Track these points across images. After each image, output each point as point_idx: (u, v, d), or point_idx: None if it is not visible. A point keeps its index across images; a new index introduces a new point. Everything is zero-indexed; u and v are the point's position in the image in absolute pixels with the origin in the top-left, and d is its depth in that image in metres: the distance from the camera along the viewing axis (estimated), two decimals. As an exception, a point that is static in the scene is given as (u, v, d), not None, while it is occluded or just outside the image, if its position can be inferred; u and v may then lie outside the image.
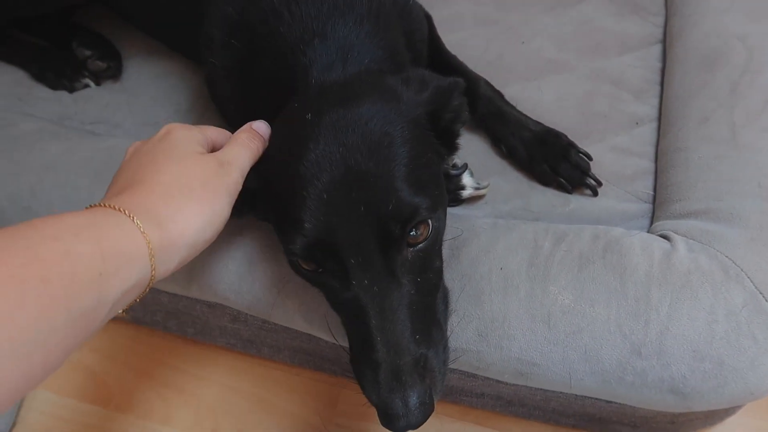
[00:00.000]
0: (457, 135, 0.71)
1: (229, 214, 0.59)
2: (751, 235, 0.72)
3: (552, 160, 0.88)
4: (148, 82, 1.07)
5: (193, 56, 1.04)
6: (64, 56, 1.10)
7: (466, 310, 0.71)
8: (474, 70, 0.98)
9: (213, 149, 0.64)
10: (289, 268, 0.64)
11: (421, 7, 0.95)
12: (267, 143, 0.66)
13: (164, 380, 1.05)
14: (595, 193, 0.87)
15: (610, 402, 0.82)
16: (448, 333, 0.67)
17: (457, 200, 0.88)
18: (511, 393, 0.89)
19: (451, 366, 0.72)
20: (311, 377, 1.03)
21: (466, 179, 0.87)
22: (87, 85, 1.08)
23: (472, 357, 0.72)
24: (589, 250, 0.72)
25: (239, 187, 0.60)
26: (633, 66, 1.01)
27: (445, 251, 0.74)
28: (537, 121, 0.92)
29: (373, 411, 0.58)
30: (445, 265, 0.72)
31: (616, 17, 1.08)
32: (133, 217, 0.50)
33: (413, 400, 0.55)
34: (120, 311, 0.52)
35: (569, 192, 0.88)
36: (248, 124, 0.67)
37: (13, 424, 1.00)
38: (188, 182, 0.55)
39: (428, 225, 0.60)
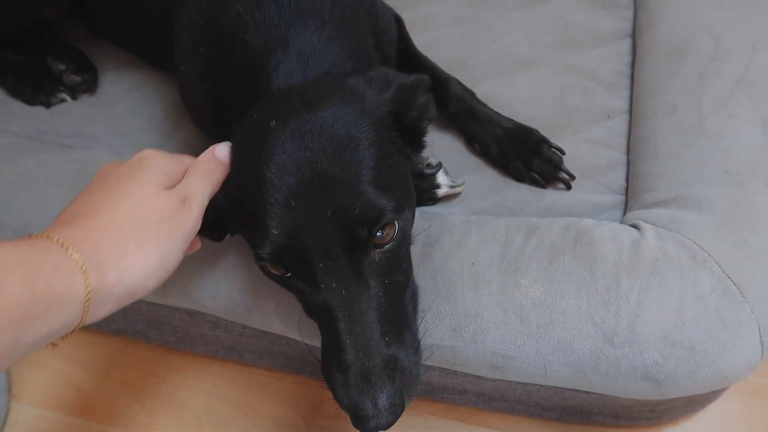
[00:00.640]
0: (423, 133, 0.70)
1: (180, 259, 0.57)
2: (718, 221, 0.72)
3: (524, 156, 0.89)
4: (123, 93, 1.08)
5: (165, 67, 1.04)
6: (41, 71, 1.10)
7: (440, 306, 0.71)
8: (447, 69, 0.98)
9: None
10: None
11: (390, 8, 0.96)
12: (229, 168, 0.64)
13: (147, 390, 1.05)
14: (569, 187, 0.88)
15: (589, 393, 0.82)
16: (421, 331, 0.67)
17: (433, 199, 0.88)
18: (492, 388, 0.89)
19: (428, 363, 0.73)
20: (294, 381, 1.03)
21: (441, 178, 0.88)
22: (63, 100, 1.08)
23: (448, 353, 0.72)
24: (559, 241, 0.73)
25: (197, 227, 0.59)
26: (605, 59, 1.02)
27: (417, 248, 0.75)
28: (509, 118, 0.93)
29: (355, 411, 0.58)
30: (417, 262, 0.73)
31: (587, 12, 1.09)
32: (72, 254, 0.47)
33: (383, 401, 0.56)
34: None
35: (543, 187, 0.88)
36: (211, 148, 0.64)
37: (-2, 440, 1.01)
38: (142, 222, 0.53)
39: (394, 226, 0.60)
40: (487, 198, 0.89)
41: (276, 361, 1.00)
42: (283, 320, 0.76)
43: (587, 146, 0.92)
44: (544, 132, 0.91)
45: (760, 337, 0.67)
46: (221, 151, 0.64)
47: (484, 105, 0.95)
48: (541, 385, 0.85)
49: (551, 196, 0.88)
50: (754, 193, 0.74)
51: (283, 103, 0.65)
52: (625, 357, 0.67)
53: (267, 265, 0.62)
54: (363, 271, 0.59)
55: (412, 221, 0.67)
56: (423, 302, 0.71)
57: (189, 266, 0.78)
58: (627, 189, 0.87)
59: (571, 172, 0.88)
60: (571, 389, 0.84)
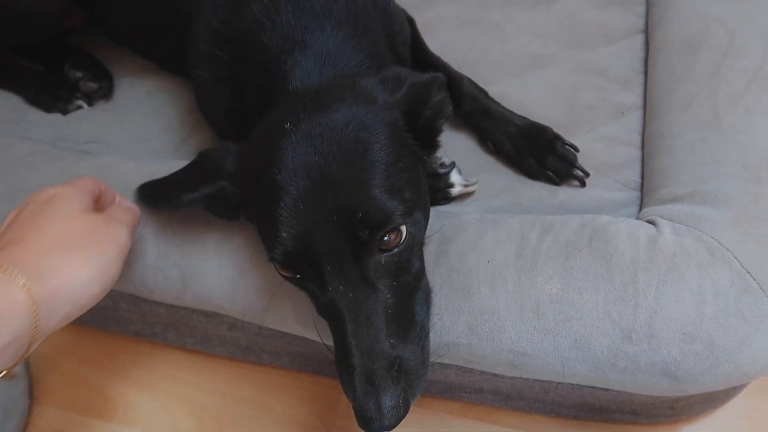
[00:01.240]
0: (438, 132, 0.70)
1: (120, 270, 0.57)
2: (736, 216, 0.72)
3: (538, 154, 0.89)
4: (139, 100, 1.09)
5: (182, 72, 1.05)
6: (58, 79, 1.11)
7: (456, 304, 0.71)
8: (460, 69, 0.99)
9: (99, 203, 0.63)
10: (278, 273, 0.65)
11: (402, 10, 0.96)
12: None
13: (167, 391, 1.06)
14: (583, 184, 0.88)
15: (608, 390, 0.82)
16: (437, 329, 0.67)
17: (447, 198, 0.88)
18: (509, 386, 0.89)
19: (444, 361, 0.73)
20: (311, 381, 1.03)
21: (455, 177, 0.88)
22: (80, 107, 1.10)
23: (464, 350, 0.72)
24: (575, 238, 0.73)
25: (128, 247, 0.59)
26: (617, 56, 1.02)
27: (432, 247, 0.75)
28: (522, 116, 0.93)
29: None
30: (432, 261, 0.73)
31: (599, 9, 1.08)
32: (8, 270, 0.47)
33: (386, 403, 0.57)
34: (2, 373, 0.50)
35: (557, 184, 0.88)
36: (119, 199, 0.68)
37: (21, 442, 1.02)
38: (72, 238, 0.54)
39: (401, 231, 0.61)
40: (502, 196, 0.89)
41: (293, 361, 1.01)
42: (299, 320, 0.76)
43: (601, 143, 0.92)
44: (557, 130, 0.91)
45: (781, 331, 0.67)
46: (126, 202, 0.68)
47: (498, 104, 0.95)
48: (558, 383, 0.84)
49: (566, 193, 0.88)
50: (772, 187, 0.74)
51: (297, 104, 0.65)
52: (643, 353, 0.67)
53: (278, 266, 0.63)
54: (369, 274, 0.60)
55: (426, 223, 0.67)
56: (439, 300, 0.71)
57: (205, 268, 0.78)
58: (642, 185, 0.87)
59: (586, 169, 0.87)
60: (588, 386, 0.83)
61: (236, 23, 0.77)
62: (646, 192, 0.84)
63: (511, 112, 0.94)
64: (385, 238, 0.60)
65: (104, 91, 1.10)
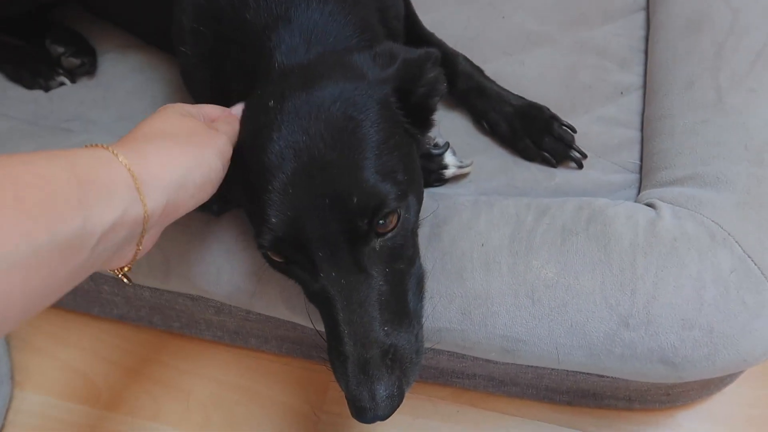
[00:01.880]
0: (432, 111, 0.68)
1: (221, 170, 0.57)
2: (739, 199, 0.70)
3: (535, 135, 0.87)
4: (123, 76, 1.06)
5: (167, 48, 1.02)
6: (39, 54, 1.08)
7: (449, 288, 0.70)
8: (455, 47, 0.96)
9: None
10: (265, 258, 0.63)
11: (395, -17, 0.93)
12: None
13: (152, 376, 1.04)
14: (580, 166, 0.86)
15: (603, 376, 0.81)
16: (429, 315, 0.65)
17: (441, 180, 0.86)
18: (502, 372, 0.88)
19: (436, 347, 0.71)
20: (300, 366, 1.02)
21: (449, 158, 0.86)
22: (62, 83, 1.06)
23: (457, 336, 0.70)
24: (572, 222, 0.71)
25: (229, 152, 0.59)
26: (616, 35, 0.99)
27: (425, 230, 0.73)
28: (518, 95, 0.91)
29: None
30: (425, 244, 0.71)
31: (598, -14, 1.05)
32: (108, 148, 0.48)
33: (381, 393, 0.55)
34: (120, 272, 0.52)
35: (554, 166, 0.86)
36: (228, 109, 0.66)
37: (2, 427, 1.00)
38: (174, 132, 0.54)
39: (397, 214, 0.58)
40: (497, 178, 0.87)
41: (282, 345, 0.99)
42: (287, 305, 0.74)
43: (599, 124, 0.90)
44: (554, 111, 0.88)
45: (782, 318, 0.65)
46: (237, 110, 0.66)
47: (493, 82, 0.92)
48: (552, 369, 0.83)
49: (562, 175, 0.85)
50: (775, 169, 0.72)
51: (283, 82, 0.62)
52: (640, 340, 0.65)
53: (269, 253, 0.60)
54: (363, 260, 0.58)
55: (419, 206, 0.65)
56: (431, 285, 0.69)
57: (189, 251, 0.76)
58: (641, 167, 0.85)
59: (583, 150, 0.85)
60: (583, 373, 0.82)
61: None
62: (645, 174, 0.82)
63: (507, 91, 0.91)
64: (381, 221, 0.57)
65: (87, 67, 1.07)
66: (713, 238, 0.67)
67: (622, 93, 0.92)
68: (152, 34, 1.05)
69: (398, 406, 0.57)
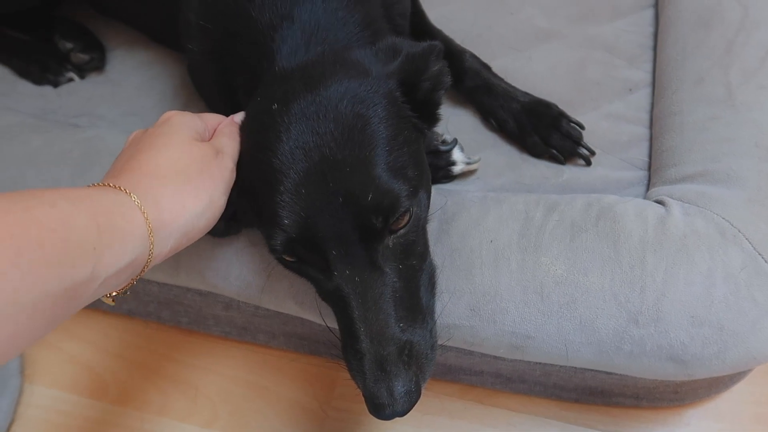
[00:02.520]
0: (437, 105, 0.68)
1: (224, 204, 0.58)
2: (749, 196, 0.70)
3: (543, 131, 0.86)
4: (131, 72, 1.06)
5: (173, 45, 1.02)
6: (47, 50, 1.08)
7: (458, 285, 0.69)
8: (462, 43, 0.96)
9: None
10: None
11: (401, -22, 0.93)
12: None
13: (160, 371, 1.04)
14: (589, 163, 0.85)
15: (611, 373, 0.81)
16: (438, 311, 0.65)
17: (449, 176, 0.86)
18: (510, 369, 0.87)
19: (445, 343, 0.71)
20: (308, 362, 1.02)
21: (457, 155, 0.86)
22: (71, 79, 1.06)
23: (466, 332, 0.70)
24: (581, 218, 0.71)
25: (233, 177, 0.60)
26: (625, 31, 0.99)
27: (435, 226, 0.73)
28: (526, 92, 0.90)
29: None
30: (434, 240, 0.71)
31: (607, -18, 1.05)
32: (131, 194, 0.49)
33: (399, 389, 0.55)
34: (109, 296, 0.52)
35: (562, 163, 0.86)
36: (230, 117, 0.66)
37: (12, 421, 1.00)
38: (185, 167, 0.55)
39: (409, 211, 0.59)
40: (505, 175, 0.86)
41: (290, 341, 0.99)
42: (296, 300, 0.74)
43: (608, 121, 0.89)
44: (562, 107, 0.88)
45: (792, 316, 0.65)
46: (239, 118, 0.66)
47: (501, 79, 0.92)
48: (560, 366, 0.83)
49: (570, 172, 0.85)
50: (786, 166, 0.71)
51: (284, 84, 0.62)
52: (650, 337, 0.65)
53: (282, 255, 0.60)
54: (377, 257, 0.58)
55: (428, 201, 0.65)
56: (440, 282, 0.68)
57: (200, 246, 0.76)
58: (650, 164, 0.84)
59: (591, 147, 0.85)
60: (592, 370, 0.82)
61: None
62: (654, 171, 0.82)
63: (515, 87, 0.91)
64: (394, 218, 0.57)
65: (96, 62, 1.07)
66: (723, 235, 0.67)
67: (630, 90, 0.92)
68: (159, 31, 1.05)
69: (416, 401, 0.56)
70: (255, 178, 0.60)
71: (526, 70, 0.95)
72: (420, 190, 0.60)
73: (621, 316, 0.65)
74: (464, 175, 0.87)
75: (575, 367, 0.82)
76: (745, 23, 0.85)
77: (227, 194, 0.58)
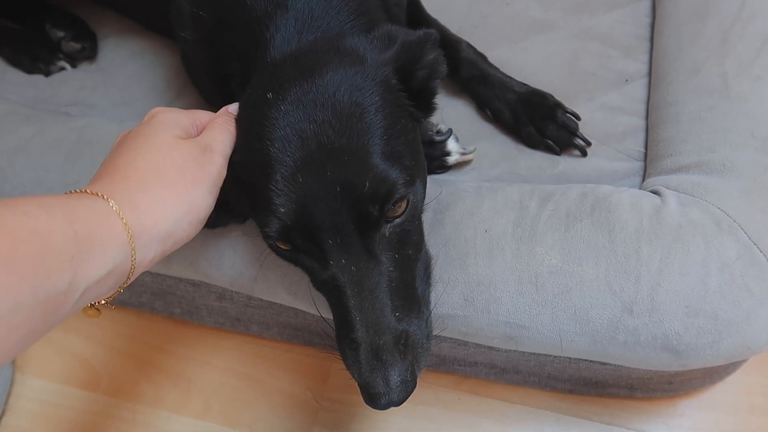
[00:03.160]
0: (434, 93, 0.67)
1: (212, 204, 0.57)
2: (745, 186, 0.70)
3: (538, 122, 0.86)
4: (124, 61, 1.05)
5: (166, 33, 1.01)
6: (38, 39, 1.07)
7: (452, 275, 0.69)
8: (458, 34, 0.95)
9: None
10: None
11: (397, -34, 0.92)
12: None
13: (152, 362, 1.04)
14: (584, 154, 0.85)
15: (605, 364, 0.81)
16: (433, 301, 0.65)
17: (443, 167, 0.86)
18: (504, 360, 0.87)
19: (439, 334, 0.71)
20: (301, 353, 1.02)
21: (452, 145, 0.85)
22: (63, 68, 1.05)
23: (460, 323, 0.70)
24: (576, 208, 0.70)
25: (223, 174, 0.58)
26: (621, 22, 0.99)
27: (429, 216, 0.72)
28: (522, 82, 0.90)
29: (364, 384, 0.57)
30: (428, 230, 0.71)
31: (603, -27, 1.04)
32: (108, 200, 0.48)
33: (394, 378, 0.55)
34: (93, 307, 0.51)
35: (557, 154, 0.86)
36: (224, 108, 0.65)
37: (3, 412, 1.00)
38: (164, 170, 0.53)
39: (406, 199, 0.58)
40: (500, 165, 0.86)
41: (283, 332, 0.99)
42: (289, 290, 0.74)
43: (603, 112, 0.89)
44: (558, 98, 0.88)
45: (787, 306, 0.65)
46: (235, 108, 0.65)
47: (497, 69, 0.92)
48: (555, 357, 0.83)
49: (566, 163, 0.85)
50: (781, 157, 0.71)
51: (278, 73, 0.62)
52: (644, 327, 0.65)
53: (276, 242, 0.60)
54: (373, 246, 0.58)
55: (424, 191, 0.65)
56: (434, 271, 0.68)
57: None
58: (645, 155, 0.84)
59: (587, 138, 0.85)
60: (586, 360, 0.82)
61: None
62: (650, 162, 0.82)
63: (511, 78, 0.90)
64: (391, 207, 0.57)
65: (88, 51, 1.06)
66: (719, 225, 0.67)
67: (627, 81, 0.92)
68: (151, 20, 1.04)
69: (412, 391, 0.56)
70: (251, 167, 0.59)
71: (522, 60, 0.95)
72: (417, 179, 0.60)
73: (616, 306, 0.65)
74: (459, 165, 0.86)
75: (569, 358, 0.82)
76: (742, 14, 0.84)
77: (214, 193, 0.57)
